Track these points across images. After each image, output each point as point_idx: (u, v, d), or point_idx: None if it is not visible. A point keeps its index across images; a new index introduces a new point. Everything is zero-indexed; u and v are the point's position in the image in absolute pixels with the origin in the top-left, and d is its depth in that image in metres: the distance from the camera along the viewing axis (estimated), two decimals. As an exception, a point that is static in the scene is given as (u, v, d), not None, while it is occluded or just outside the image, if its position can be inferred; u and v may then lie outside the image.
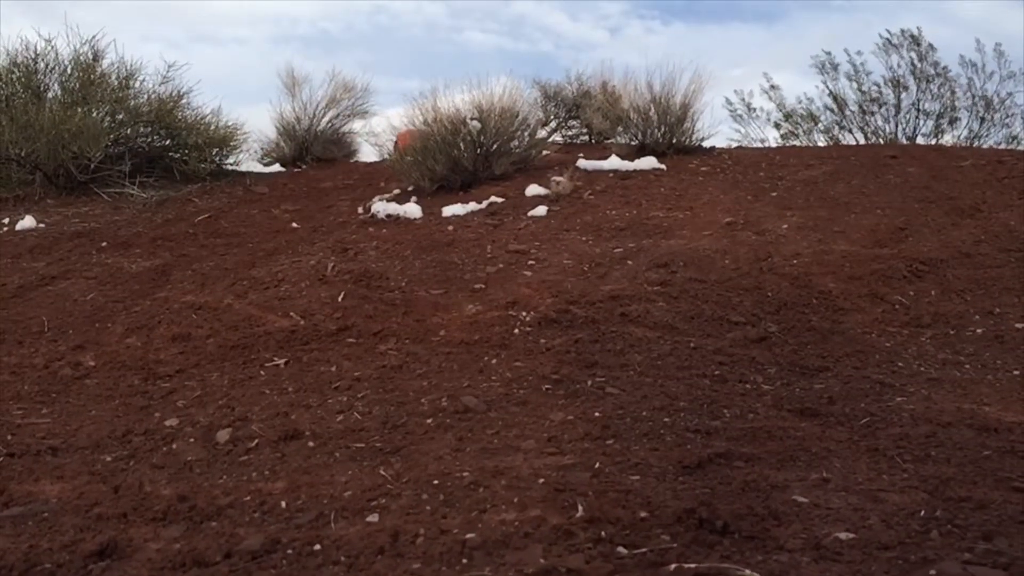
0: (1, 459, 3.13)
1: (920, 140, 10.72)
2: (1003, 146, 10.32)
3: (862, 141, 11.09)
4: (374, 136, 10.14)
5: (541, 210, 6.48)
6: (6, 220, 7.35)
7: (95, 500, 2.64)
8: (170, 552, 2.23)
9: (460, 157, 7.39)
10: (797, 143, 11.30)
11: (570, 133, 10.48)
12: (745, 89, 11.81)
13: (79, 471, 2.97)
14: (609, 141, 9.18)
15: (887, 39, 10.83)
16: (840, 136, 11.35)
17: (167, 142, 8.73)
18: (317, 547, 2.21)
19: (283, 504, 2.54)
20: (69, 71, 8.48)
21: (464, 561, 2.09)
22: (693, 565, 1.98)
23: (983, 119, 10.70)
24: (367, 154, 10.39)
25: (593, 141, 9.92)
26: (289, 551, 2.20)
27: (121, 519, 2.50)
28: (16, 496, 2.73)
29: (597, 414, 3.20)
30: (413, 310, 4.60)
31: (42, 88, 8.46)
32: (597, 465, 2.72)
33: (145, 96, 8.69)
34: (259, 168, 9.42)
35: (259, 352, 4.23)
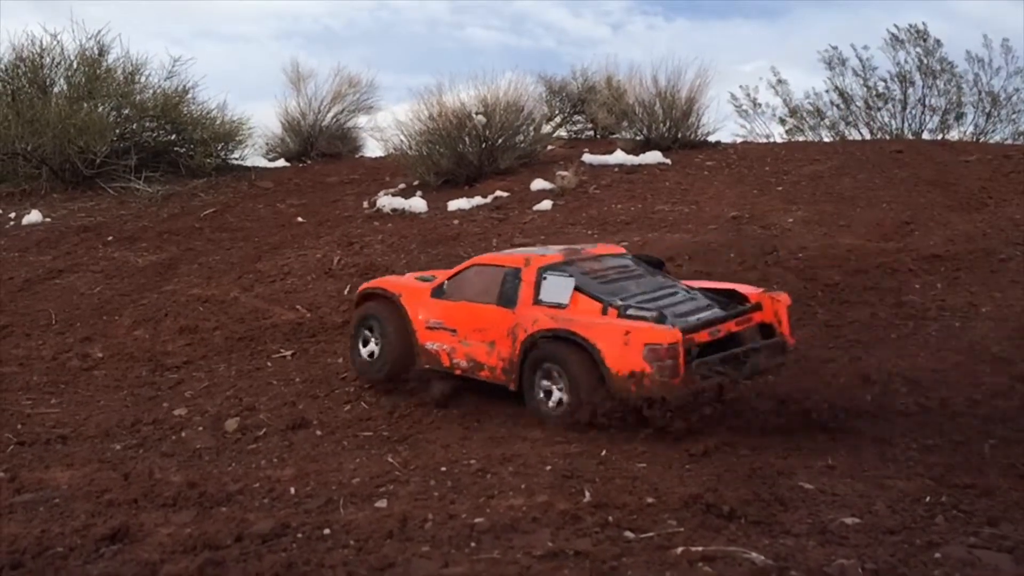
0: (11, 448, 3.16)
1: (926, 136, 10.67)
2: (1009, 141, 10.28)
3: (868, 137, 11.05)
4: (379, 131, 10.11)
5: (546, 204, 6.50)
6: (12, 215, 7.38)
7: (105, 487, 2.66)
8: (181, 536, 2.25)
9: (465, 152, 7.39)
10: (803, 138, 11.27)
11: (575, 128, 10.44)
12: (752, 85, 11.75)
13: (89, 459, 2.99)
14: (614, 136, 9.16)
15: (894, 35, 10.77)
16: (846, 131, 11.29)
17: (172, 137, 8.75)
18: (327, 531, 2.23)
19: (292, 490, 2.56)
20: (75, 66, 8.50)
21: (473, 544, 2.10)
22: (700, 548, 2.00)
23: (989, 115, 10.64)
24: (372, 149, 10.37)
25: (598, 136, 9.90)
26: (299, 535, 2.22)
27: (132, 505, 2.52)
28: (27, 483, 2.76)
29: (603, 404, 3.21)
30: (419, 302, 4.60)
31: (48, 83, 8.49)
32: (604, 453, 2.74)
33: (151, 91, 8.72)
34: (264, 163, 9.42)
35: (266, 344, 4.26)
